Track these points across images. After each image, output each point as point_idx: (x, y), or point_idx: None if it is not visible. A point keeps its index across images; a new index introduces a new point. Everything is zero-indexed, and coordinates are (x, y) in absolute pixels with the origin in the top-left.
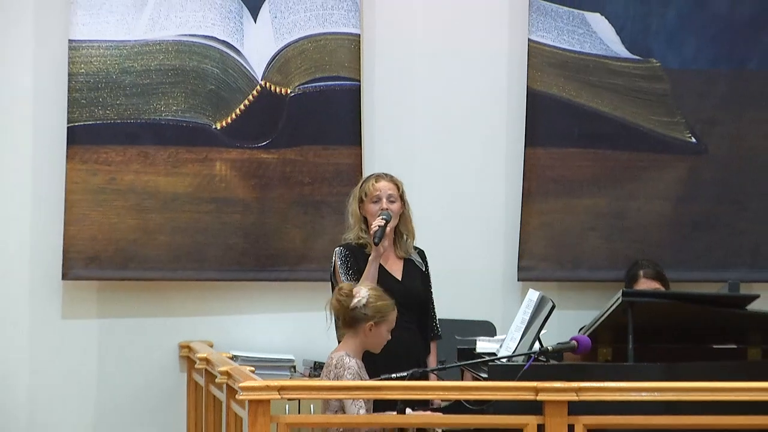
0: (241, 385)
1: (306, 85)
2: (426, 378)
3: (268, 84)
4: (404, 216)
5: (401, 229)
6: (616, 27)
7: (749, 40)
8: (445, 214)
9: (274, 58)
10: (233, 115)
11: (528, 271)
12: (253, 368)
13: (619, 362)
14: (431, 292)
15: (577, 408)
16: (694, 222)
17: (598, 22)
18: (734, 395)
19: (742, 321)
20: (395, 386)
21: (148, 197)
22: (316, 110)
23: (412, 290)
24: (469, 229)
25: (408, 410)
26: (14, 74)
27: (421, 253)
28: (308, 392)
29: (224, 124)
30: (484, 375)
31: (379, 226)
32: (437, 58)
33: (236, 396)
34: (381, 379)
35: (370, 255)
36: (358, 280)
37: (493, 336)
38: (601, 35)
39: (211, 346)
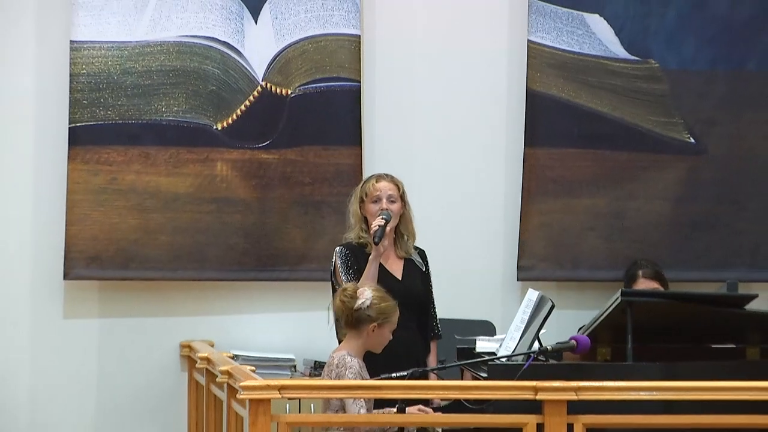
0: (241, 384)
1: (306, 86)
2: (426, 377)
3: (268, 85)
4: (405, 217)
5: (402, 229)
6: (615, 28)
7: (748, 40)
8: (445, 215)
9: (274, 59)
10: (234, 116)
11: (527, 270)
12: (253, 368)
13: (618, 362)
14: (431, 292)
15: (576, 407)
16: (693, 222)
17: (597, 22)
18: (733, 395)
19: (740, 321)
20: (395, 386)
21: (149, 197)
22: (316, 111)
23: (412, 290)
24: (468, 229)
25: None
26: (16, 75)
27: (422, 253)
28: (309, 391)
29: (225, 124)
30: (484, 374)
31: (378, 225)
32: (437, 58)
33: (237, 395)
34: (381, 379)
35: (370, 255)
36: (358, 279)
37: (492, 336)
38: (600, 36)
39: (212, 346)
